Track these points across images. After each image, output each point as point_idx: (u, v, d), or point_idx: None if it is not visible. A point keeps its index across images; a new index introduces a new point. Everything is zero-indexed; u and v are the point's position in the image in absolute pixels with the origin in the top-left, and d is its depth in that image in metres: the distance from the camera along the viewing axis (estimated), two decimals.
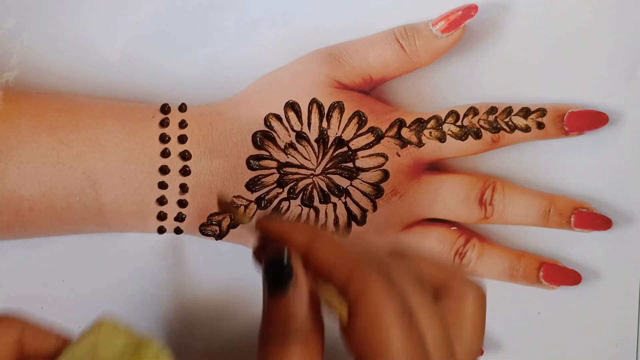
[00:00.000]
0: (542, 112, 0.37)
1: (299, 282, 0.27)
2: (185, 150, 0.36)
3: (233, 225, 0.37)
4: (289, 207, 0.37)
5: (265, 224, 0.29)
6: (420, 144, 0.37)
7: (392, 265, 0.28)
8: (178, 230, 0.37)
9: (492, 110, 0.37)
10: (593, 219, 0.38)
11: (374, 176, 0.37)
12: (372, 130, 0.37)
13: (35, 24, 0.37)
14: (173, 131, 0.36)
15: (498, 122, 0.37)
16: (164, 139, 0.36)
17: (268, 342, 0.27)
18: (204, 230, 0.37)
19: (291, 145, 0.37)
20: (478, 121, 0.37)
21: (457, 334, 0.29)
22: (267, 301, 0.27)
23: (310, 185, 0.37)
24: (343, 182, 0.37)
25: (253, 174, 0.36)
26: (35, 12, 0.37)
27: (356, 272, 0.26)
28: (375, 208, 0.37)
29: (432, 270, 0.30)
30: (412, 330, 0.26)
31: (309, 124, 0.37)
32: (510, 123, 0.37)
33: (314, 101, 0.37)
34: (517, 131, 0.37)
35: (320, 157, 0.37)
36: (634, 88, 0.38)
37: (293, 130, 0.37)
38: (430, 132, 0.37)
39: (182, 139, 0.36)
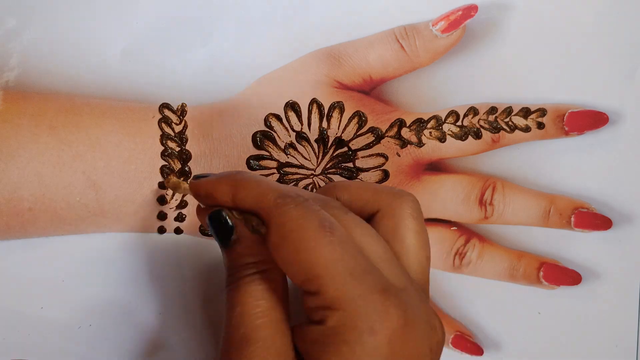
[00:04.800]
0: (542, 112, 0.37)
1: (240, 232, 0.29)
2: (186, 150, 0.36)
3: None
4: None
5: (195, 186, 0.31)
6: (420, 144, 0.37)
7: (309, 195, 0.29)
8: (178, 231, 0.37)
9: (492, 110, 0.37)
10: (593, 219, 0.38)
11: (374, 176, 0.37)
12: (372, 130, 0.37)
13: (35, 24, 0.37)
14: (173, 131, 0.36)
15: (498, 122, 0.37)
16: (163, 139, 0.36)
17: (229, 287, 0.29)
18: (204, 230, 0.37)
19: (291, 145, 0.37)
20: (478, 121, 0.37)
21: (401, 248, 0.29)
22: (223, 255, 0.30)
23: (311, 185, 0.37)
24: None
25: None
26: (35, 12, 0.37)
27: (272, 206, 0.27)
28: None
29: (361, 197, 0.30)
30: (336, 240, 0.26)
31: (309, 124, 0.37)
32: (510, 123, 0.37)
33: (314, 101, 0.36)
34: (517, 131, 0.37)
35: (320, 157, 0.37)
36: (634, 88, 0.38)
37: (293, 130, 0.37)
38: (430, 132, 0.37)
39: (182, 139, 0.36)
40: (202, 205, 0.31)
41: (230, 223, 0.29)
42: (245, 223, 0.29)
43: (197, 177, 0.31)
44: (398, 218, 0.29)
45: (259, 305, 0.28)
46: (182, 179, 0.35)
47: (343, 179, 0.37)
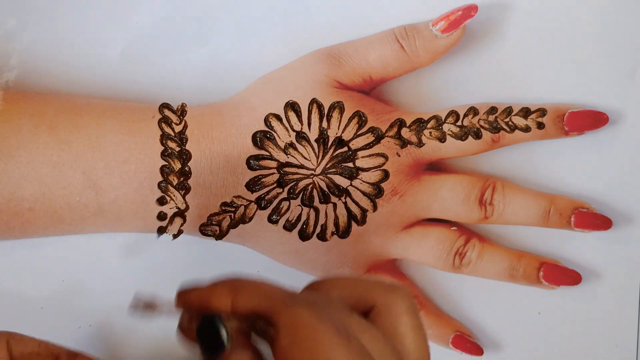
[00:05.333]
0: (542, 112, 0.37)
1: (236, 345, 0.26)
2: (186, 150, 0.36)
3: (233, 225, 0.37)
4: (289, 207, 0.37)
5: (184, 297, 0.28)
6: (420, 144, 0.37)
7: (314, 295, 0.27)
8: (178, 230, 0.37)
9: (492, 110, 0.37)
10: (593, 219, 0.37)
11: (374, 176, 0.37)
12: (372, 130, 0.37)
13: (35, 25, 0.37)
14: (173, 131, 0.36)
15: (498, 122, 0.37)
16: (163, 139, 0.35)
17: None
18: (204, 230, 0.37)
19: (291, 145, 0.37)
20: (478, 121, 0.37)
21: (402, 347, 0.27)
22: None
23: (310, 185, 0.37)
24: (343, 182, 0.37)
25: (253, 174, 0.36)
26: (35, 12, 0.37)
27: (281, 306, 0.25)
28: (375, 208, 0.37)
29: (354, 292, 0.28)
30: (354, 349, 0.24)
31: (309, 124, 0.37)
32: (510, 123, 0.37)
33: (314, 101, 0.36)
34: (517, 131, 0.37)
35: (320, 157, 0.37)
36: (634, 88, 0.38)
37: (293, 130, 0.37)
38: (430, 132, 0.37)
39: (182, 139, 0.36)
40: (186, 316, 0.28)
41: (224, 333, 0.25)
42: (249, 327, 0.26)
43: (183, 288, 0.28)
44: (395, 316, 0.27)
45: None
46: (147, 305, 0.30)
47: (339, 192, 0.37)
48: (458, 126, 0.37)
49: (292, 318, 0.24)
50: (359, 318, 0.26)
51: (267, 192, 0.36)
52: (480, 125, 0.37)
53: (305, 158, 0.37)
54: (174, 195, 0.36)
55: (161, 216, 0.36)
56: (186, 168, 0.36)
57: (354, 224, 0.37)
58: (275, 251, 0.38)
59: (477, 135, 0.37)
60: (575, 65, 0.38)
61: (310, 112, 0.37)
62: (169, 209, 0.36)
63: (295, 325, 0.24)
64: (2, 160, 0.33)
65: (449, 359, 0.40)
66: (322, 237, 0.37)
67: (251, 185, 0.36)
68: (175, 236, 0.37)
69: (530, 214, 0.37)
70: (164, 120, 0.36)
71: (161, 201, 0.36)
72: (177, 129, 0.36)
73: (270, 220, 0.37)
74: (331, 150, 0.37)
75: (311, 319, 0.24)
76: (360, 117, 0.37)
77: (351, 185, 0.37)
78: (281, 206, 0.37)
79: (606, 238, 0.39)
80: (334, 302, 0.27)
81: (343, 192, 0.37)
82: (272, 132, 0.36)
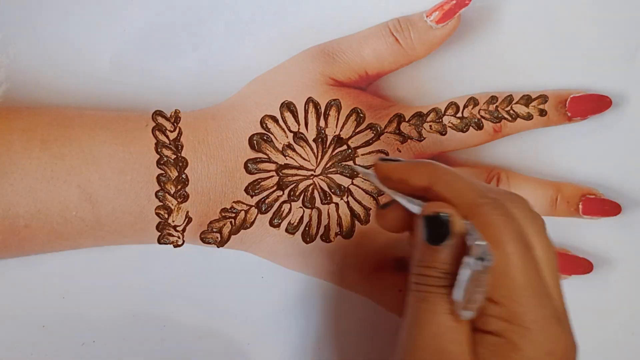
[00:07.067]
0: (543, 98, 0.36)
1: (455, 241, 0.28)
2: (182, 158, 0.35)
3: (234, 231, 0.36)
4: (290, 209, 0.36)
5: (384, 168, 0.31)
6: (420, 138, 0.37)
7: (505, 198, 0.29)
8: None
9: (493, 99, 0.37)
10: (601, 205, 0.37)
11: None
12: (370, 126, 0.36)
13: (21, 38, 0.37)
14: (167, 139, 0.35)
15: (499, 112, 0.36)
16: (158, 147, 0.35)
17: (418, 292, 0.28)
18: (204, 238, 0.36)
19: (289, 146, 0.36)
20: (479, 111, 0.37)
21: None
22: (420, 250, 0.29)
23: (311, 186, 0.36)
24: (344, 181, 0.36)
25: (252, 177, 0.36)
26: (20, 25, 0.37)
27: (475, 210, 0.28)
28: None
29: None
30: (530, 260, 0.27)
31: (306, 124, 0.36)
32: (511, 112, 0.36)
33: (309, 100, 0.36)
34: (519, 119, 0.36)
35: (319, 157, 0.36)
36: (636, 69, 0.38)
37: (290, 131, 0.36)
38: (430, 126, 0.37)
39: (178, 146, 0.35)
40: (383, 189, 0.31)
41: (449, 230, 0.28)
42: (471, 252, 0.27)
43: (384, 159, 0.31)
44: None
45: (448, 327, 0.28)
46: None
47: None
48: (458, 118, 0.36)
49: (482, 217, 0.28)
50: (543, 228, 0.29)
51: (267, 196, 0.36)
52: (481, 116, 0.36)
53: (304, 159, 0.36)
54: (172, 204, 0.35)
55: (160, 226, 0.35)
56: (183, 176, 0.35)
57: (357, 223, 0.36)
58: (278, 255, 0.37)
59: (479, 126, 0.36)
60: (574, 49, 0.38)
61: (306, 111, 0.36)
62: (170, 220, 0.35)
63: (483, 224, 0.27)
64: None
65: None
66: (325, 238, 0.37)
67: (250, 190, 0.36)
68: (176, 246, 0.36)
69: (536, 203, 0.37)
70: (158, 128, 0.35)
71: (160, 232, 0.35)
72: (172, 136, 0.35)
73: (272, 224, 0.36)
74: (330, 150, 0.36)
75: (498, 223, 0.27)
76: (358, 114, 0.36)
77: (352, 184, 0.36)
78: (282, 209, 0.36)
79: (615, 224, 0.38)
80: (515, 200, 0.29)
81: (344, 191, 0.36)
82: (269, 134, 0.36)
